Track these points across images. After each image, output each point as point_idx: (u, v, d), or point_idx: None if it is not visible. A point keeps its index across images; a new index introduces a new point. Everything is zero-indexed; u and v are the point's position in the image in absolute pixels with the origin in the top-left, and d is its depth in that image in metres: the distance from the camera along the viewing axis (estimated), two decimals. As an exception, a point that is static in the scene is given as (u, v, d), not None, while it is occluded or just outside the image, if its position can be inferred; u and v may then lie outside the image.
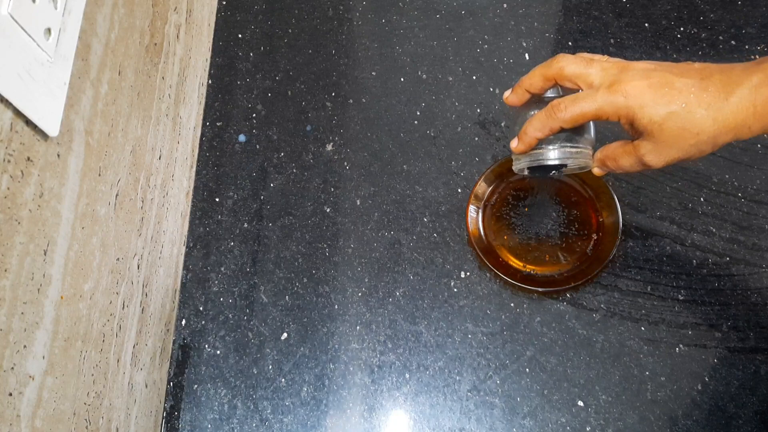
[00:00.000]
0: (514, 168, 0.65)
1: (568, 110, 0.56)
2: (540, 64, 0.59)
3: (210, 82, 0.90)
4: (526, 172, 0.66)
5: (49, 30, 0.54)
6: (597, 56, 0.57)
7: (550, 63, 0.58)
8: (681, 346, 0.71)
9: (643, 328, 0.72)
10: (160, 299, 0.77)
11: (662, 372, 0.71)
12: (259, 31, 0.92)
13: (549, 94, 0.61)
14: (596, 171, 0.63)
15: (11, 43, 0.49)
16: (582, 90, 0.57)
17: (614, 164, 0.60)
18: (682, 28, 0.83)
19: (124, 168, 0.69)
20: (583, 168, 0.63)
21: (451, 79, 0.86)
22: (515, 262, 0.76)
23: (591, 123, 0.61)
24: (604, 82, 0.55)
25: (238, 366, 0.77)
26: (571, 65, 0.57)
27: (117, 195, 0.67)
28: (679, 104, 0.52)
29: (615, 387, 0.71)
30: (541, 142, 0.61)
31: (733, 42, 0.81)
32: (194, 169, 0.86)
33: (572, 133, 0.60)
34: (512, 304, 0.75)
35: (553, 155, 0.61)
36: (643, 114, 0.53)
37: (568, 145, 0.61)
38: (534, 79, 0.59)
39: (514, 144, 0.62)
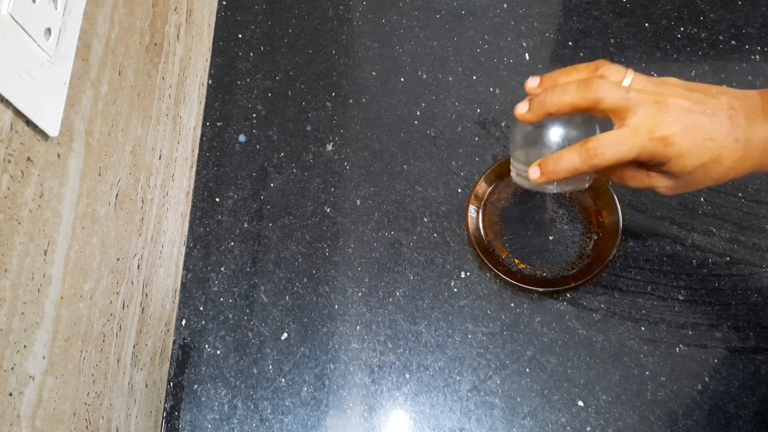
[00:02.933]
0: (514, 179, 0.61)
1: (606, 155, 0.52)
2: (565, 73, 0.55)
3: (210, 82, 0.90)
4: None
5: (49, 30, 0.54)
6: (630, 77, 0.53)
7: (587, 87, 0.52)
8: (681, 346, 0.71)
9: (643, 328, 0.72)
10: (160, 299, 0.77)
11: (662, 372, 0.71)
12: (259, 31, 0.92)
13: None
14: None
15: (11, 43, 0.49)
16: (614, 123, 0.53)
17: (618, 178, 0.59)
18: (682, 28, 0.83)
19: (124, 168, 0.69)
20: (579, 189, 0.61)
21: (451, 79, 0.86)
22: (515, 262, 0.76)
23: None
24: (644, 125, 0.51)
25: (239, 366, 0.77)
26: (611, 96, 0.52)
27: (117, 195, 0.67)
28: (711, 156, 0.51)
29: (615, 387, 0.71)
30: None
31: (733, 42, 0.81)
32: (194, 169, 0.86)
33: None
34: (512, 304, 0.75)
35: (556, 189, 0.59)
36: (678, 162, 0.52)
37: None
38: (563, 103, 0.53)
39: (534, 174, 0.56)
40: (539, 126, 0.56)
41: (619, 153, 0.52)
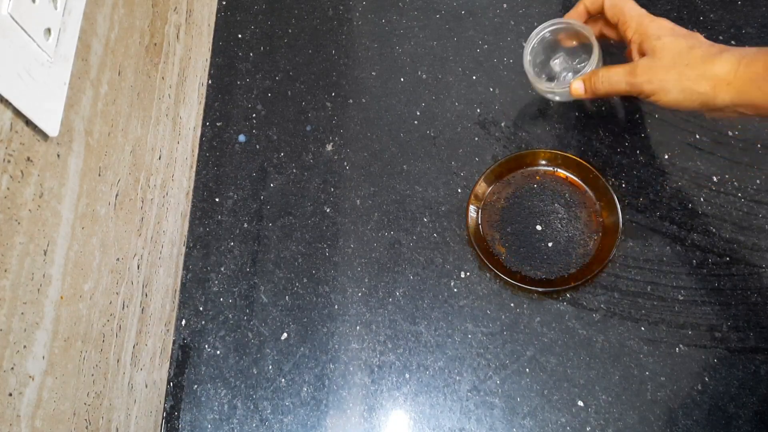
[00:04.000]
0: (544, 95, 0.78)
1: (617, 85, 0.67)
2: None
3: (210, 82, 0.90)
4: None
5: (49, 30, 0.54)
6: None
7: None
8: (681, 346, 0.71)
9: (643, 328, 0.72)
10: (160, 299, 0.77)
11: (662, 372, 0.71)
12: (259, 31, 0.92)
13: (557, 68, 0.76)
14: (574, 89, 0.71)
15: (11, 43, 0.49)
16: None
17: (603, 80, 0.68)
18: (682, 28, 0.83)
19: (124, 168, 0.69)
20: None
21: (451, 79, 0.86)
22: (515, 262, 0.76)
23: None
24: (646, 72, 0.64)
25: (238, 366, 0.77)
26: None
27: (117, 195, 0.67)
28: (686, 41, 0.62)
29: (615, 387, 0.71)
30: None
31: (733, 42, 0.81)
32: (194, 169, 0.86)
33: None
34: (512, 304, 0.75)
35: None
36: (658, 39, 0.63)
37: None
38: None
39: (579, 90, 0.71)
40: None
41: (621, 84, 0.66)
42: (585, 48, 0.77)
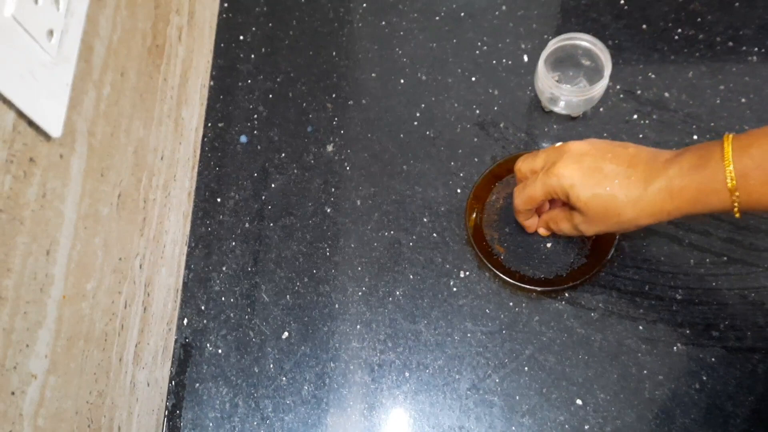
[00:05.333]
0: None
1: (518, 199, 0.69)
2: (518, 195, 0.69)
3: (212, 83, 0.91)
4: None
5: (51, 31, 0.54)
6: (547, 148, 0.67)
7: (518, 175, 0.69)
8: (679, 345, 0.72)
9: (641, 327, 0.73)
10: (162, 298, 0.77)
11: (660, 371, 0.71)
12: (260, 33, 0.93)
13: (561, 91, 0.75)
14: (542, 231, 0.75)
15: (14, 45, 0.50)
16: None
17: (556, 227, 0.70)
18: (679, 30, 0.83)
19: (126, 168, 0.69)
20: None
21: (450, 80, 0.86)
22: (514, 262, 0.76)
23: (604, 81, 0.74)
24: (544, 168, 0.64)
25: (240, 365, 0.78)
26: (522, 164, 0.68)
27: (119, 195, 0.68)
28: (603, 188, 0.60)
29: (613, 386, 0.71)
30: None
31: (730, 43, 0.81)
32: (196, 169, 0.87)
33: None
34: (511, 304, 0.76)
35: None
36: (573, 193, 0.61)
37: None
38: (518, 201, 0.70)
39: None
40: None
41: (527, 193, 0.66)
42: (586, 69, 0.80)
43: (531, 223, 0.74)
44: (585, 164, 0.61)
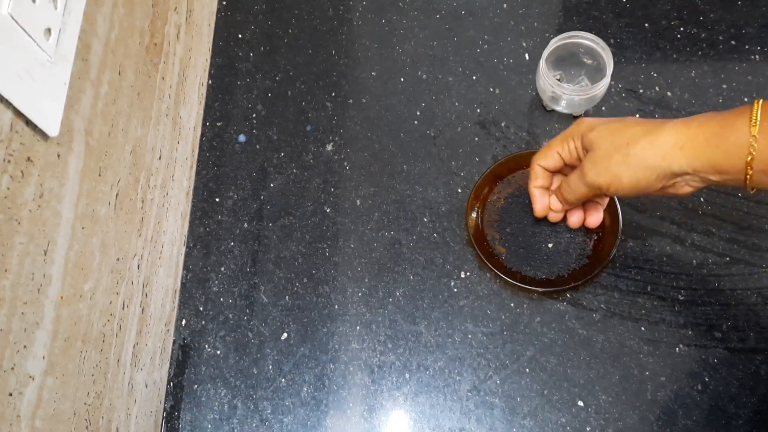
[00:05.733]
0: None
1: (567, 194, 0.67)
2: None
3: (210, 82, 0.90)
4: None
5: (49, 30, 0.54)
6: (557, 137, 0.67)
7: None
8: (681, 346, 0.71)
9: (643, 328, 0.72)
10: (160, 299, 0.77)
11: (662, 372, 0.71)
12: (259, 31, 0.92)
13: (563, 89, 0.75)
14: (553, 214, 0.72)
15: (11, 44, 0.49)
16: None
17: (566, 188, 0.67)
18: (682, 28, 0.83)
19: (124, 168, 0.69)
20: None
21: (451, 79, 0.86)
22: (515, 262, 0.76)
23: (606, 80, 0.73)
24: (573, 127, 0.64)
25: (238, 366, 0.78)
26: (541, 161, 0.69)
27: (117, 195, 0.67)
28: (620, 124, 0.59)
29: (615, 387, 0.71)
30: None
31: (732, 42, 0.81)
32: (194, 169, 0.86)
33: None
34: (512, 304, 0.75)
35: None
36: (592, 131, 0.61)
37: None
38: (568, 195, 0.68)
39: (557, 205, 0.71)
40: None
41: (553, 146, 0.67)
42: (587, 68, 0.79)
43: (541, 203, 0.72)
44: (608, 119, 0.62)
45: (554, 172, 0.70)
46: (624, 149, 0.58)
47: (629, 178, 0.58)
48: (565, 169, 0.69)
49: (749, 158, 0.52)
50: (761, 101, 0.52)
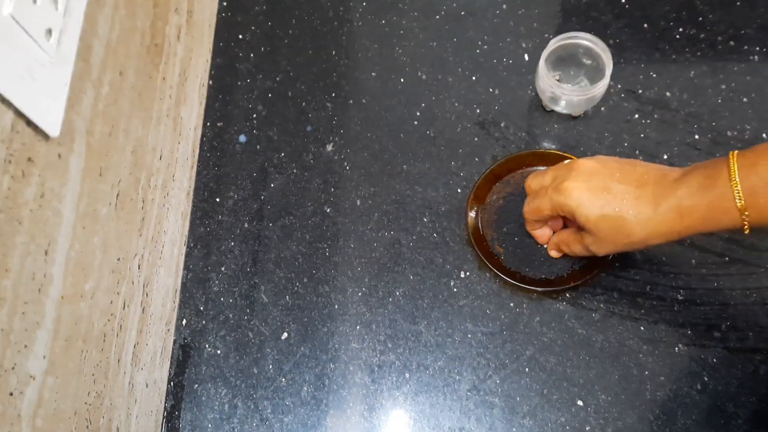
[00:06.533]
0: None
1: (526, 208, 0.70)
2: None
3: (211, 82, 0.90)
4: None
5: (50, 31, 0.54)
6: (556, 165, 0.67)
7: (528, 191, 0.70)
8: (680, 345, 0.71)
9: (642, 328, 0.72)
10: (160, 299, 0.77)
11: (661, 372, 0.71)
12: (259, 32, 0.92)
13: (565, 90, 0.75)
14: (553, 254, 0.75)
15: (12, 44, 0.49)
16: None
17: (567, 249, 0.70)
18: (681, 29, 0.83)
19: (124, 168, 0.69)
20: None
21: (450, 79, 0.86)
22: (514, 262, 0.76)
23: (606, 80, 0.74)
24: (553, 184, 0.64)
25: (239, 366, 0.78)
26: (532, 181, 0.69)
27: (118, 195, 0.68)
28: (612, 209, 0.59)
29: (614, 386, 0.71)
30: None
31: (732, 43, 0.81)
32: (195, 169, 0.86)
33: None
34: (512, 304, 0.75)
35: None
36: (580, 213, 0.61)
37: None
38: (526, 210, 0.71)
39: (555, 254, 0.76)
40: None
41: (533, 206, 0.68)
42: (587, 68, 0.79)
43: (541, 233, 0.75)
44: (593, 183, 0.61)
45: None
46: (625, 239, 0.60)
47: (634, 250, 0.66)
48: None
49: (745, 224, 0.55)
50: (736, 156, 0.54)
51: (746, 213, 0.54)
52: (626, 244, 0.61)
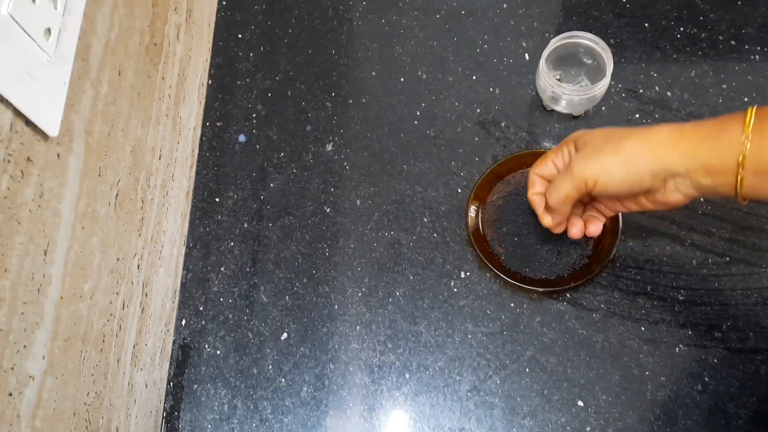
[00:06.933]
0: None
1: (552, 205, 0.65)
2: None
3: (210, 82, 0.90)
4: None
5: (49, 30, 0.54)
6: (552, 151, 0.66)
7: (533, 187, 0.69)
8: (681, 346, 0.71)
9: (643, 328, 0.72)
10: (160, 299, 0.77)
11: (662, 372, 0.71)
12: (259, 31, 0.92)
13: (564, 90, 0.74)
14: (554, 229, 0.69)
15: (11, 44, 0.49)
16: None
17: (550, 190, 0.64)
18: (681, 28, 0.83)
19: (124, 168, 0.69)
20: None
21: (451, 79, 0.86)
22: (515, 262, 0.76)
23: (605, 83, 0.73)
24: (564, 171, 0.62)
25: (238, 366, 0.78)
26: (537, 169, 0.67)
27: (117, 195, 0.67)
28: (613, 129, 0.60)
29: (615, 387, 0.71)
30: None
31: (732, 42, 0.81)
32: (194, 169, 0.86)
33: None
34: (512, 304, 0.75)
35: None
36: (586, 135, 0.61)
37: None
38: (556, 205, 0.65)
39: (547, 221, 0.69)
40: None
41: (548, 156, 0.66)
42: (587, 68, 0.79)
43: (578, 230, 0.69)
44: (601, 131, 0.61)
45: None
46: (616, 143, 0.58)
47: (619, 172, 0.57)
48: None
49: (741, 158, 0.51)
50: (755, 107, 0.52)
51: (748, 143, 0.51)
52: (614, 150, 0.58)
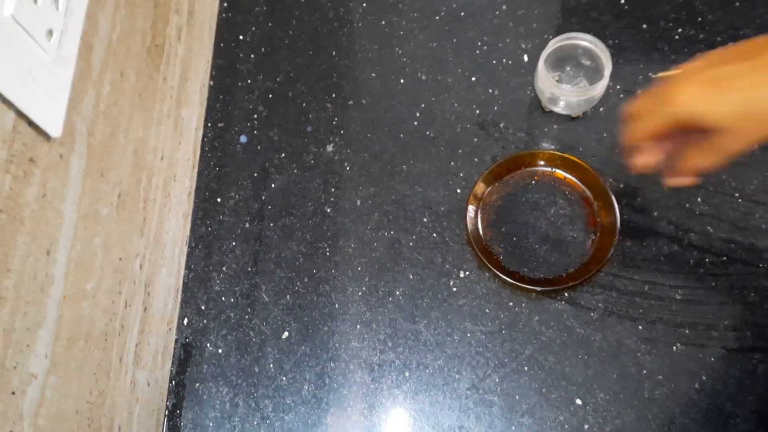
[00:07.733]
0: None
1: (633, 136, 0.58)
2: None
3: (211, 83, 0.91)
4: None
5: (51, 31, 0.54)
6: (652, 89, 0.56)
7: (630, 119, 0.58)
8: (678, 345, 0.72)
9: (640, 327, 0.73)
10: (162, 298, 0.78)
11: (660, 371, 0.71)
12: (260, 32, 0.93)
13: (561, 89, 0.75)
14: (680, 181, 0.61)
15: (13, 45, 0.50)
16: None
17: (701, 159, 0.56)
18: (680, 30, 0.83)
19: (126, 168, 0.69)
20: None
21: (450, 80, 0.86)
22: (514, 262, 0.76)
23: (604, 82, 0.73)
24: (659, 100, 0.54)
25: (240, 364, 0.78)
26: (631, 107, 0.58)
27: (119, 195, 0.68)
28: (737, 93, 0.50)
29: (613, 386, 0.71)
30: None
31: (731, 43, 0.81)
32: (196, 169, 0.87)
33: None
34: (511, 303, 0.76)
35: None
36: (701, 113, 0.51)
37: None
38: (638, 137, 0.58)
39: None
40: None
41: (647, 127, 0.55)
42: (586, 69, 0.79)
43: (648, 159, 0.60)
44: (703, 78, 0.51)
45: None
46: (765, 115, 0.49)
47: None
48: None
49: None
50: None
51: None
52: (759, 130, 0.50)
